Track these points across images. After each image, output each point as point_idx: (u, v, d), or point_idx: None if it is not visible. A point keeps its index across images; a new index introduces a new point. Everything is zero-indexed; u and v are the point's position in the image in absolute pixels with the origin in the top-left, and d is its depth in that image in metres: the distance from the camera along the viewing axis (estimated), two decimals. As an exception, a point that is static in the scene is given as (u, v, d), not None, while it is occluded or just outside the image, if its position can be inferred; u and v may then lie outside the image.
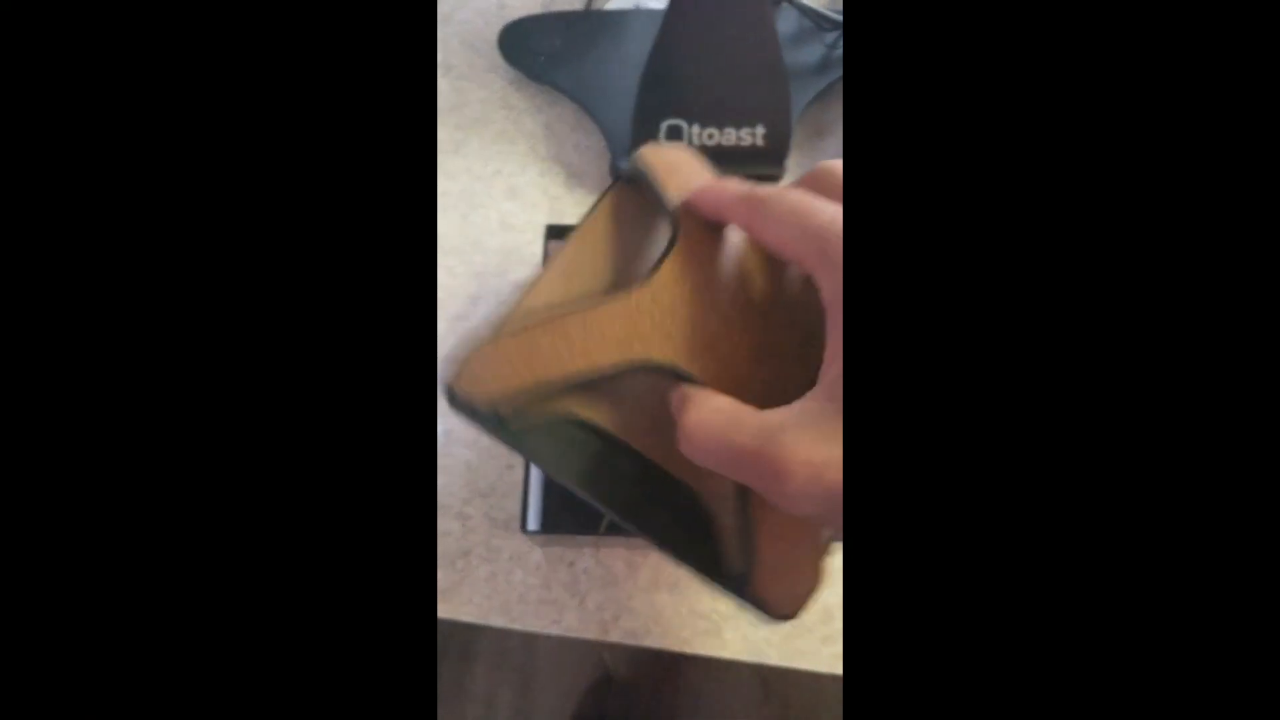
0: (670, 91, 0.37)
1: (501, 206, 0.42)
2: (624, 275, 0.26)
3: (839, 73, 0.43)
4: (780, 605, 0.23)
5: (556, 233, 0.34)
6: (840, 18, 0.43)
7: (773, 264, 0.24)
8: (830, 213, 0.20)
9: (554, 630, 0.34)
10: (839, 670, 0.34)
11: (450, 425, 0.38)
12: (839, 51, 0.43)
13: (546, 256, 0.34)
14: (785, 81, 0.37)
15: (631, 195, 0.27)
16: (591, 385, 0.23)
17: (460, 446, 0.37)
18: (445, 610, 0.35)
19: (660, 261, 0.23)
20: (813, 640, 0.34)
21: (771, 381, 0.23)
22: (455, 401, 0.23)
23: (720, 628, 0.35)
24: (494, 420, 0.23)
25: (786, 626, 0.34)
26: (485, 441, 0.37)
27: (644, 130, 0.38)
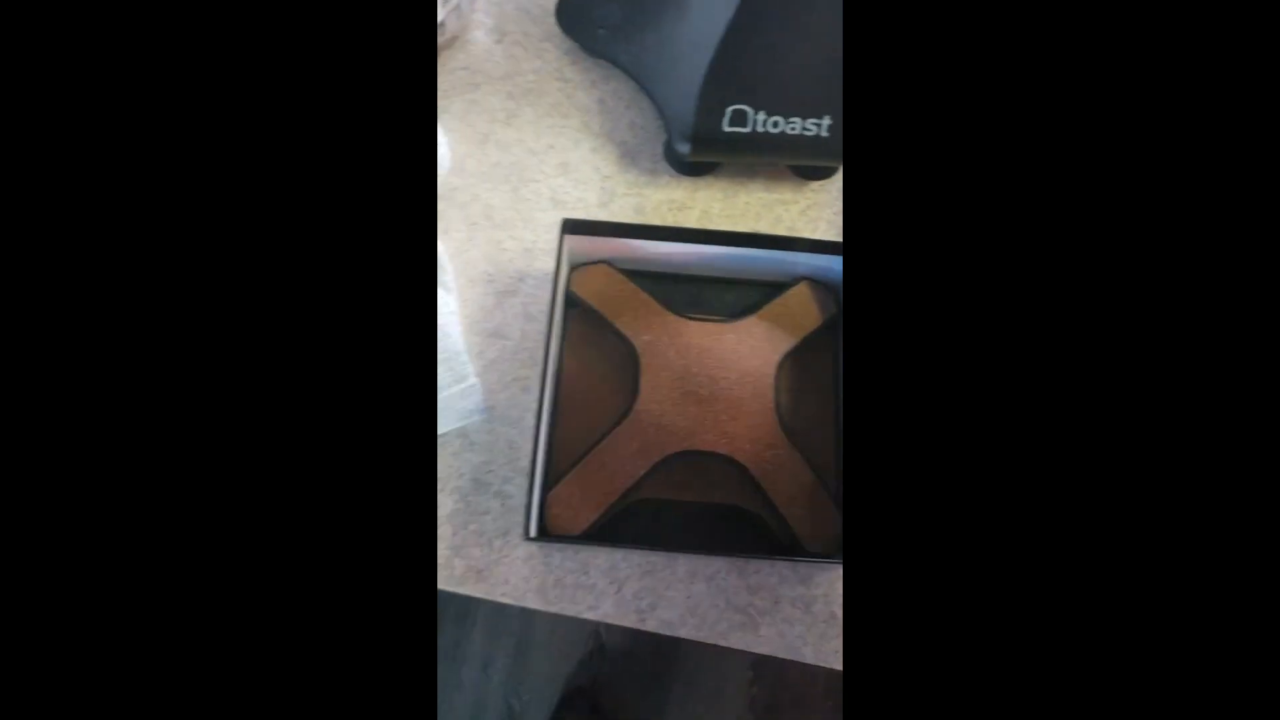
0: (740, 75, 0.36)
1: (553, 182, 0.41)
2: (612, 386, 0.37)
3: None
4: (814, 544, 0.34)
5: (572, 228, 0.35)
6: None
7: (702, 352, 0.36)
8: None
9: (591, 616, 0.34)
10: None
11: (494, 402, 0.37)
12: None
13: (562, 249, 0.35)
14: (859, 73, 0.36)
15: (581, 318, 0.38)
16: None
17: (504, 425, 0.37)
18: (480, 590, 0.35)
19: (637, 382, 0.35)
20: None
21: (725, 423, 0.35)
22: (551, 538, 0.33)
23: (757, 623, 0.35)
24: (587, 538, 0.34)
25: (821, 625, 0.35)
26: (529, 421, 0.37)
27: (708, 111, 0.37)
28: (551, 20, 0.44)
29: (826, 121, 0.37)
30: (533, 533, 0.31)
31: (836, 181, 0.42)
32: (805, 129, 0.37)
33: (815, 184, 0.42)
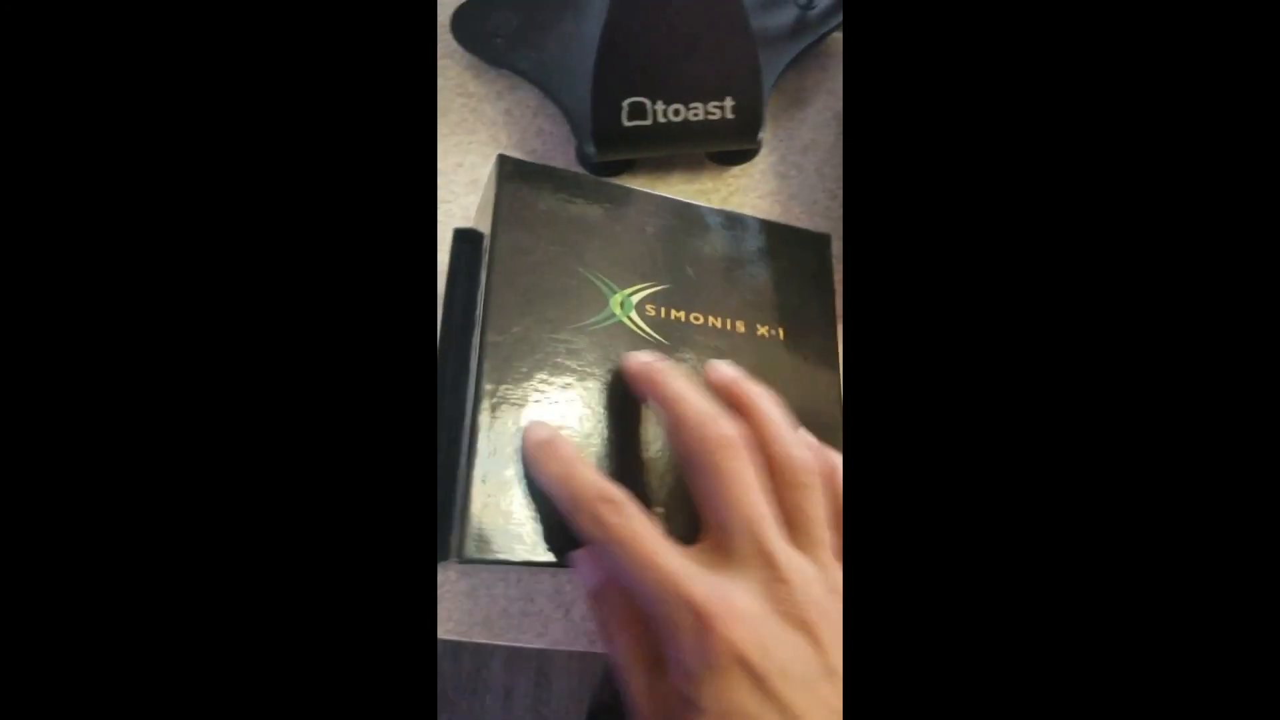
0: (629, 68, 0.35)
1: (464, 201, 0.40)
2: None
3: (814, 36, 0.40)
4: None
5: (464, 237, 0.32)
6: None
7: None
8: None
9: (539, 644, 0.33)
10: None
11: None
12: (813, 13, 0.41)
13: (451, 259, 0.32)
14: (752, 50, 0.34)
15: None
16: None
17: (432, 457, 0.36)
18: (426, 628, 0.34)
19: None
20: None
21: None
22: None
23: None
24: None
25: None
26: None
27: (605, 108, 0.36)
28: (449, 36, 0.43)
29: (729, 103, 0.36)
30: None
31: (757, 165, 0.41)
32: (709, 113, 0.36)
33: (735, 170, 0.41)
